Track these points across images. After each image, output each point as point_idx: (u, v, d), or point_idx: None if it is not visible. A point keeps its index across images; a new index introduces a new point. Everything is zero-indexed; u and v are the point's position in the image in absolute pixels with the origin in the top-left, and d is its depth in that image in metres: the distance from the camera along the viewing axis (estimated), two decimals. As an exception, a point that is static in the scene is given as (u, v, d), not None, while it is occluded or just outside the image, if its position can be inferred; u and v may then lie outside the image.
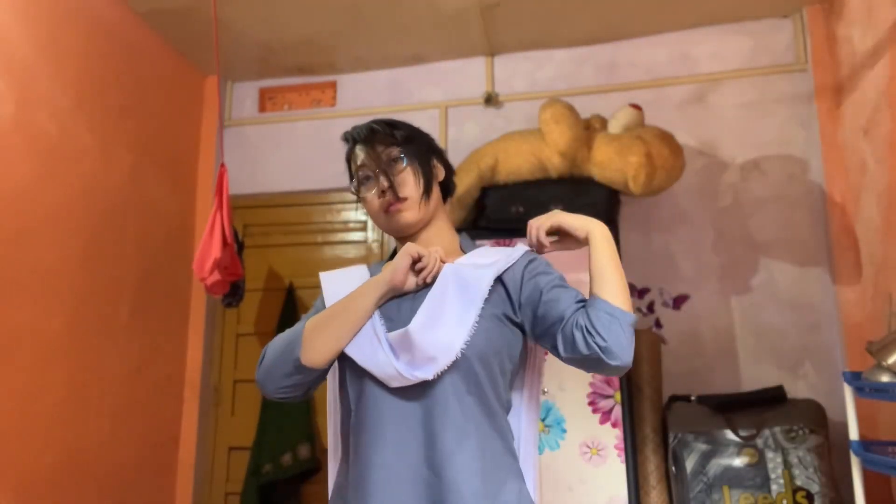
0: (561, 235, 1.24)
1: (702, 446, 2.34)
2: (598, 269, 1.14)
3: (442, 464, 1.08)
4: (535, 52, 3.23)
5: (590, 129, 2.63)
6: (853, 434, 2.02)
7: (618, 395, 2.38)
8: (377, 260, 1.26)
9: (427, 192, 1.26)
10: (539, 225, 1.23)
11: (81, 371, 2.51)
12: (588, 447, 2.36)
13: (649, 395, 2.51)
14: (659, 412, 2.51)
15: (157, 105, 3.06)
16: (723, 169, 2.93)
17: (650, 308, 2.88)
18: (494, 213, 2.59)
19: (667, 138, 2.53)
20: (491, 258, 1.23)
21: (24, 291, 2.26)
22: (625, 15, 2.94)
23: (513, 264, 1.21)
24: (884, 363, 1.91)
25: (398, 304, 1.21)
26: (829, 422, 2.36)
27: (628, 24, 3.03)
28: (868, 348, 2.00)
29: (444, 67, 3.32)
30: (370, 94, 3.37)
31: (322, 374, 1.22)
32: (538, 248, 1.25)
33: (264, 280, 3.31)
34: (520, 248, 1.25)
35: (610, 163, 2.46)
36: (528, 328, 1.19)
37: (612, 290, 1.11)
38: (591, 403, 2.40)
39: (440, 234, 1.30)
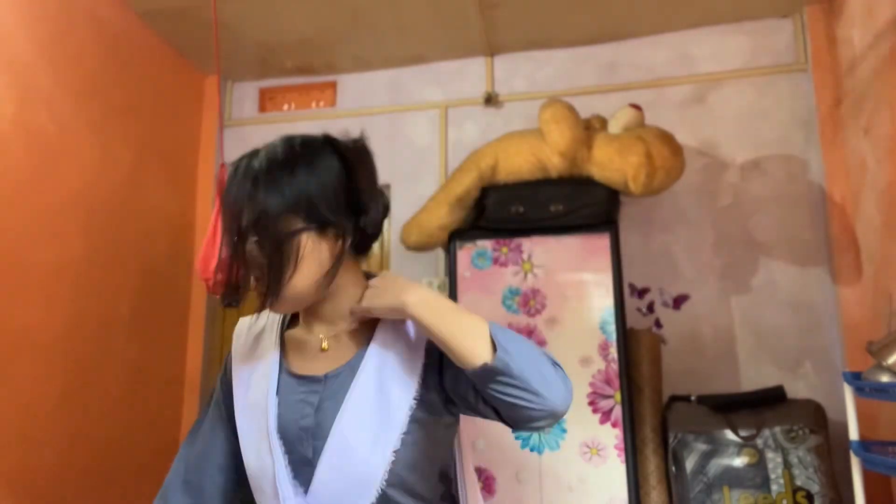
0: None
1: (702, 446, 2.34)
2: (441, 338, 0.92)
3: None
4: (535, 52, 3.23)
5: (590, 129, 2.63)
6: (853, 434, 2.02)
7: (618, 395, 2.38)
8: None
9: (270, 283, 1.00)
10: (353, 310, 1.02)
11: (81, 371, 2.51)
12: (588, 447, 2.36)
13: (649, 395, 2.51)
14: (659, 412, 2.51)
15: (157, 105, 3.06)
16: (723, 169, 2.93)
17: (650, 308, 2.88)
18: (494, 213, 2.59)
19: (667, 138, 2.53)
20: (404, 341, 1.04)
21: (24, 291, 2.26)
22: (625, 15, 2.94)
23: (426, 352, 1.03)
24: (884, 363, 1.91)
25: (298, 409, 1.01)
26: (829, 422, 2.36)
27: (628, 24, 3.03)
28: (868, 348, 2.00)
29: (444, 67, 3.32)
30: (370, 94, 3.37)
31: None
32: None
33: (264, 280, 3.30)
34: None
35: (610, 163, 2.46)
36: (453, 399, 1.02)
37: (465, 349, 0.90)
38: (591, 403, 2.40)
39: (339, 303, 1.06)
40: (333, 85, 3.46)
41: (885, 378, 1.89)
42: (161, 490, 1.15)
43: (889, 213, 2.31)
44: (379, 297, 0.98)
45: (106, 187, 2.68)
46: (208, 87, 3.45)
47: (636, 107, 2.66)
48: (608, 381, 2.40)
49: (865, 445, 2.02)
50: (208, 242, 2.61)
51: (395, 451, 0.96)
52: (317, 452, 0.98)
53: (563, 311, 2.45)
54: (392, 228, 3.18)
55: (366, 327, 1.06)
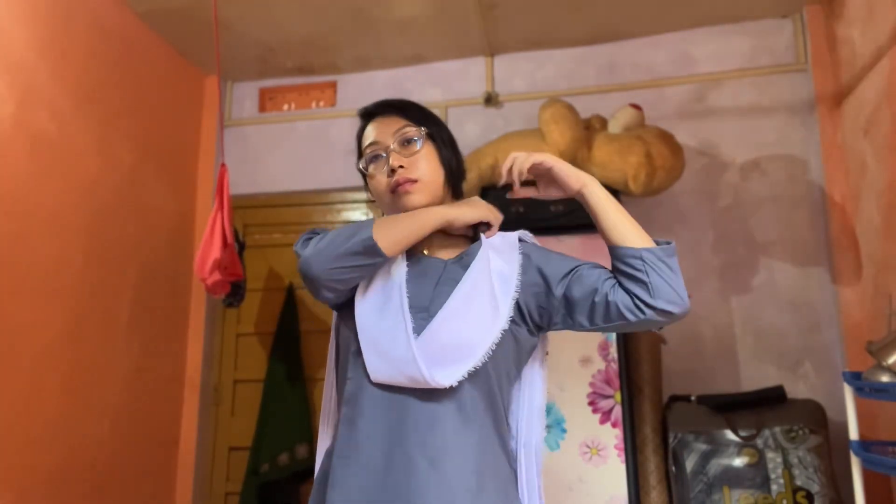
0: (542, 181, 1.20)
1: (702, 446, 2.34)
2: (611, 219, 1.11)
3: (439, 458, 1.05)
4: (535, 52, 3.22)
5: (590, 129, 2.64)
6: (853, 434, 2.02)
7: (618, 395, 2.38)
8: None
9: (438, 177, 1.21)
10: (522, 161, 1.16)
11: (81, 371, 2.51)
12: (588, 447, 2.36)
13: (649, 395, 2.51)
14: (659, 412, 2.51)
15: (157, 105, 3.06)
16: (723, 169, 2.93)
17: (650, 308, 2.87)
18: (494, 213, 2.59)
19: (667, 138, 2.53)
20: (505, 253, 1.19)
21: (24, 291, 2.26)
22: (625, 15, 2.94)
23: (522, 266, 1.17)
24: (884, 363, 1.91)
25: (419, 279, 1.15)
26: (829, 422, 2.36)
27: (628, 24, 3.03)
28: (868, 348, 2.00)
29: (444, 67, 3.32)
30: (370, 94, 3.36)
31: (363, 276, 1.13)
32: (510, 184, 1.19)
33: (264, 280, 3.31)
34: (514, 238, 1.22)
35: (610, 163, 2.46)
36: (557, 314, 1.15)
37: (634, 233, 1.09)
38: (591, 403, 2.40)
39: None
40: (333, 85, 3.46)
41: (885, 378, 1.90)
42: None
43: (889, 213, 2.31)
44: (561, 162, 1.15)
45: (106, 187, 2.68)
46: (208, 87, 3.44)
47: (636, 107, 2.66)
48: (608, 381, 2.40)
49: (865, 445, 2.02)
50: (205, 243, 2.61)
51: (502, 330, 1.10)
52: (434, 307, 1.10)
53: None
54: (392, 228, 3.18)
55: (462, 244, 1.24)
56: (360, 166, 1.25)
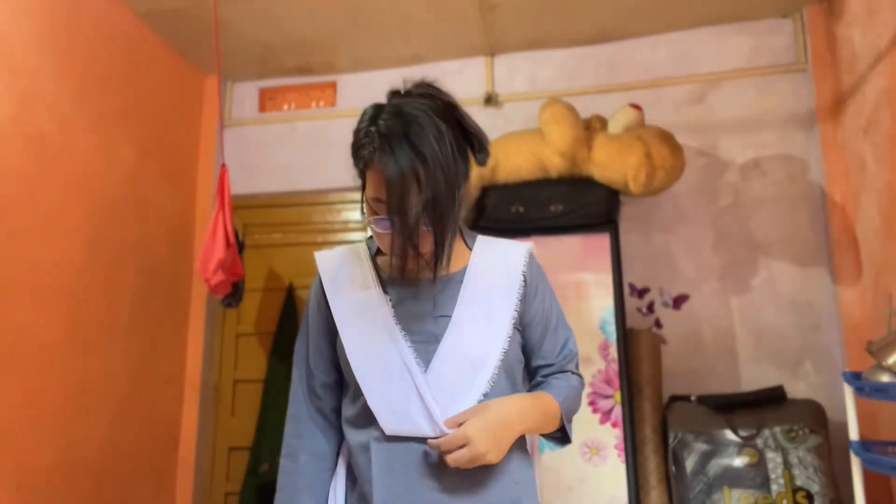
0: None
1: (702, 446, 2.34)
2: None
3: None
4: (535, 52, 3.23)
5: (590, 129, 2.64)
6: (853, 434, 2.02)
7: (618, 395, 2.38)
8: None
9: (442, 250, 1.07)
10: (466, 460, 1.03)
11: (81, 371, 2.51)
12: (588, 447, 2.36)
13: (649, 395, 2.51)
14: (659, 412, 2.51)
15: (157, 105, 3.06)
16: (723, 169, 2.93)
17: (650, 308, 2.88)
18: (494, 212, 2.59)
19: (667, 138, 2.53)
20: (502, 257, 1.20)
21: (24, 291, 2.26)
22: (625, 15, 2.94)
23: (525, 271, 1.19)
24: (884, 363, 1.91)
25: (414, 304, 1.12)
26: (829, 422, 2.37)
27: (628, 24, 3.03)
28: (868, 348, 2.00)
29: (444, 67, 3.32)
30: (370, 94, 3.33)
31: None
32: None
33: (264, 280, 3.31)
34: (521, 247, 1.23)
35: (610, 163, 2.46)
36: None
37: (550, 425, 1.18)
38: (591, 403, 2.40)
39: None
40: (333, 85, 3.46)
41: (885, 378, 1.90)
42: (290, 411, 1.28)
43: (889, 213, 2.31)
44: (497, 444, 1.05)
45: (106, 187, 2.68)
46: (208, 87, 3.44)
47: (636, 107, 2.66)
48: (608, 381, 2.40)
49: (865, 445, 2.01)
50: (208, 243, 2.62)
51: (503, 351, 1.10)
52: (438, 333, 1.09)
53: (563, 310, 2.45)
54: (392, 228, 3.18)
55: (461, 256, 1.20)
56: (363, 213, 1.13)
